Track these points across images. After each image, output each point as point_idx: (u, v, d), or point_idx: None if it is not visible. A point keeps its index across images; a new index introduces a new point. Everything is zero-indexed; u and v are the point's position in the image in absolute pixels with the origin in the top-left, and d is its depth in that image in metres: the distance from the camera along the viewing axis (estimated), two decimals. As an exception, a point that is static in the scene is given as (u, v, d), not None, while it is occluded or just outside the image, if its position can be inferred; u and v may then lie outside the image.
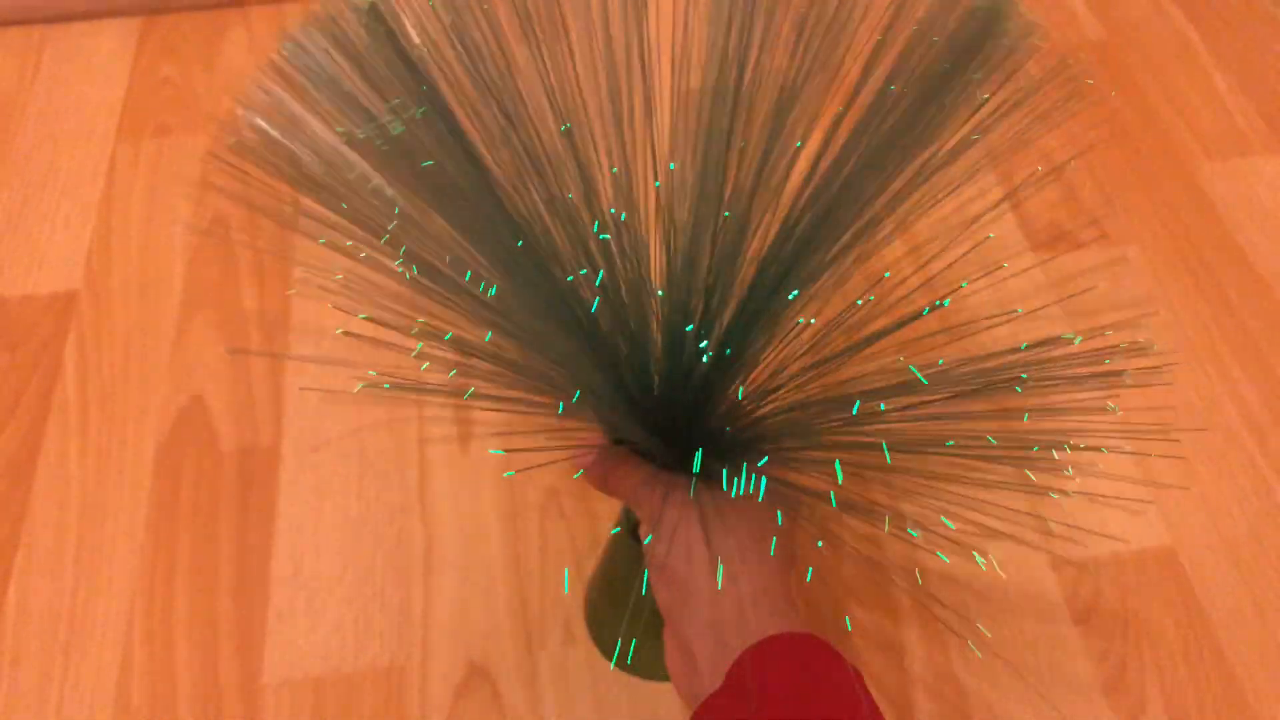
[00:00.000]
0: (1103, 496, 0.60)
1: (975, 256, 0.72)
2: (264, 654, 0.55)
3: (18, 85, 0.82)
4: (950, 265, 0.54)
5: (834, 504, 0.35)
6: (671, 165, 0.36)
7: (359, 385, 0.49)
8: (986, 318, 0.68)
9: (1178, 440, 0.63)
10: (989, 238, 0.72)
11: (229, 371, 0.66)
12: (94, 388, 0.65)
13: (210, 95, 0.82)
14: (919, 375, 0.30)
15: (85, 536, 0.59)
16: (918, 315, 0.33)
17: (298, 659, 0.55)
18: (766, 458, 0.37)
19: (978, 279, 0.67)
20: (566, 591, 0.57)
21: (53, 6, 0.87)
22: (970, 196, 0.75)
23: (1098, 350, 0.34)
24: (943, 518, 0.37)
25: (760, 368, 0.39)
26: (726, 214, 0.34)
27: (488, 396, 0.36)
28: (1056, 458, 0.33)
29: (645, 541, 0.41)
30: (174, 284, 0.70)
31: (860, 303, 0.35)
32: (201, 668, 0.54)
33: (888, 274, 0.32)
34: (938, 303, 0.32)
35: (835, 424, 0.36)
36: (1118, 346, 0.34)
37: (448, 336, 0.31)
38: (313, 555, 0.58)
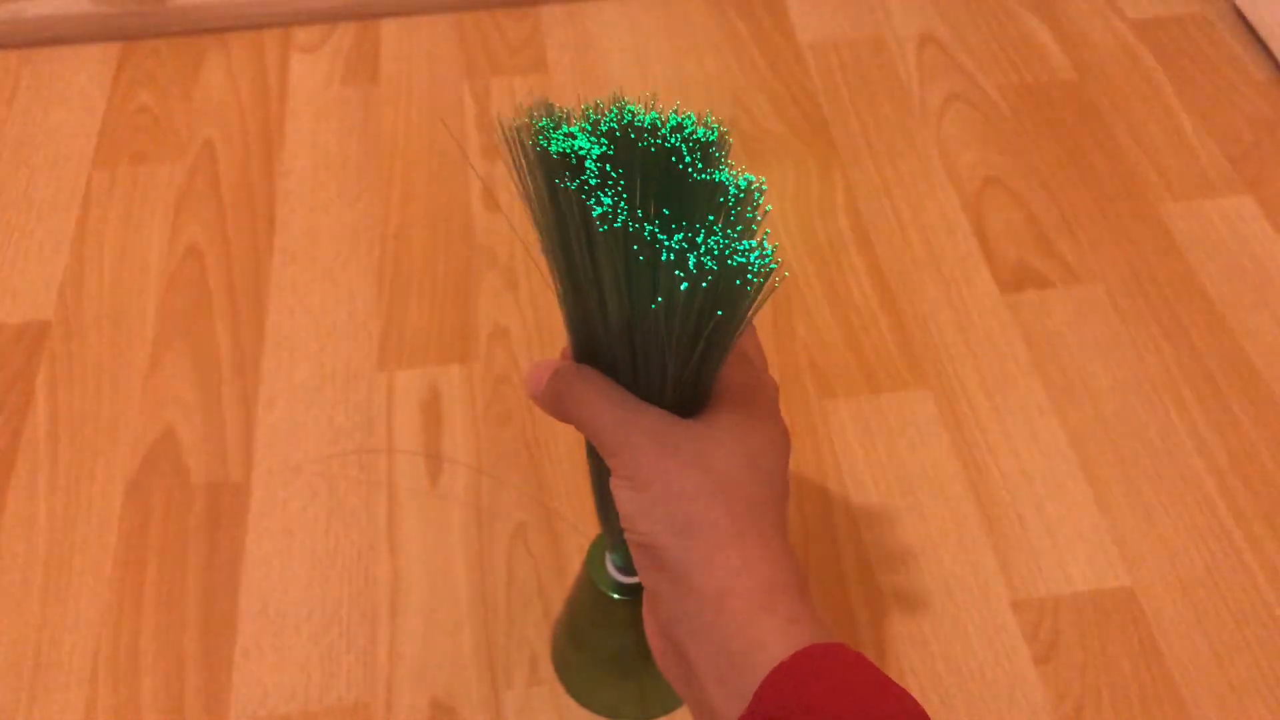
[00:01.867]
0: (1063, 537, 0.61)
1: (943, 295, 0.73)
2: (230, 692, 0.55)
3: (-6, 111, 0.83)
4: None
5: None
6: None
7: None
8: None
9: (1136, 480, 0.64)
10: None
11: (201, 405, 0.66)
12: (65, 420, 0.65)
13: (187, 124, 0.82)
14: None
15: (53, 572, 0.59)
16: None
17: (263, 697, 0.55)
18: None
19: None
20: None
21: (30, 31, 0.87)
22: (942, 235, 0.76)
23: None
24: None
25: None
26: None
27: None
28: None
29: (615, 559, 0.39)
30: (147, 315, 0.70)
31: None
32: (167, 706, 0.55)
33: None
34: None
35: None
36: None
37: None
38: (280, 593, 0.58)
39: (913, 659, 0.57)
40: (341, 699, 0.55)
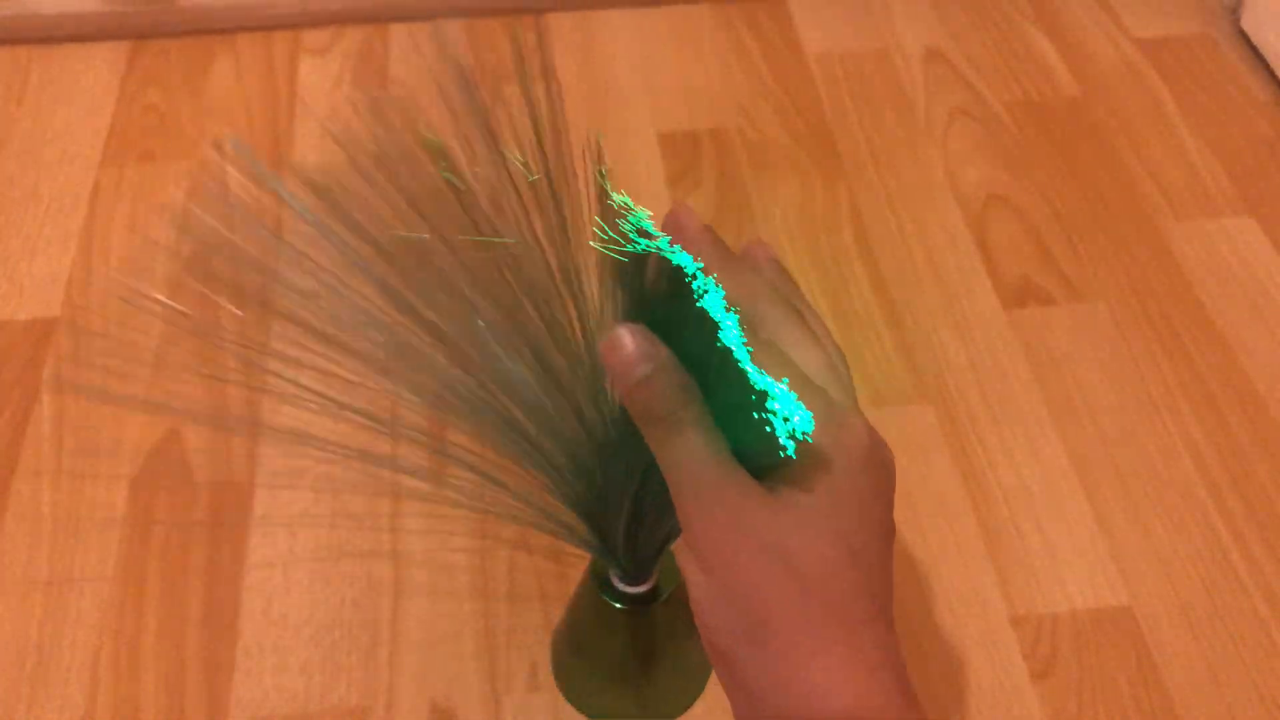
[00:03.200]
0: (1062, 553, 0.62)
1: (945, 310, 0.73)
2: (231, 692, 0.55)
3: (3, 107, 0.83)
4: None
5: None
6: None
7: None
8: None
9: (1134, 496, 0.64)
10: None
11: (206, 403, 0.66)
12: (70, 417, 0.65)
13: (195, 123, 0.82)
14: None
15: (55, 569, 0.59)
16: None
17: (264, 698, 0.55)
18: None
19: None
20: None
21: (40, 28, 0.87)
22: (942, 245, 0.77)
23: None
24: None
25: None
26: None
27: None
28: None
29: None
30: (153, 314, 0.70)
31: None
32: (168, 705, 0.55)
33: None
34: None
35: None
36: None
37: None
38: (282, 593, 0.59)
39: (911, 672, 0.57)
40: (343, 700, 0.55)
